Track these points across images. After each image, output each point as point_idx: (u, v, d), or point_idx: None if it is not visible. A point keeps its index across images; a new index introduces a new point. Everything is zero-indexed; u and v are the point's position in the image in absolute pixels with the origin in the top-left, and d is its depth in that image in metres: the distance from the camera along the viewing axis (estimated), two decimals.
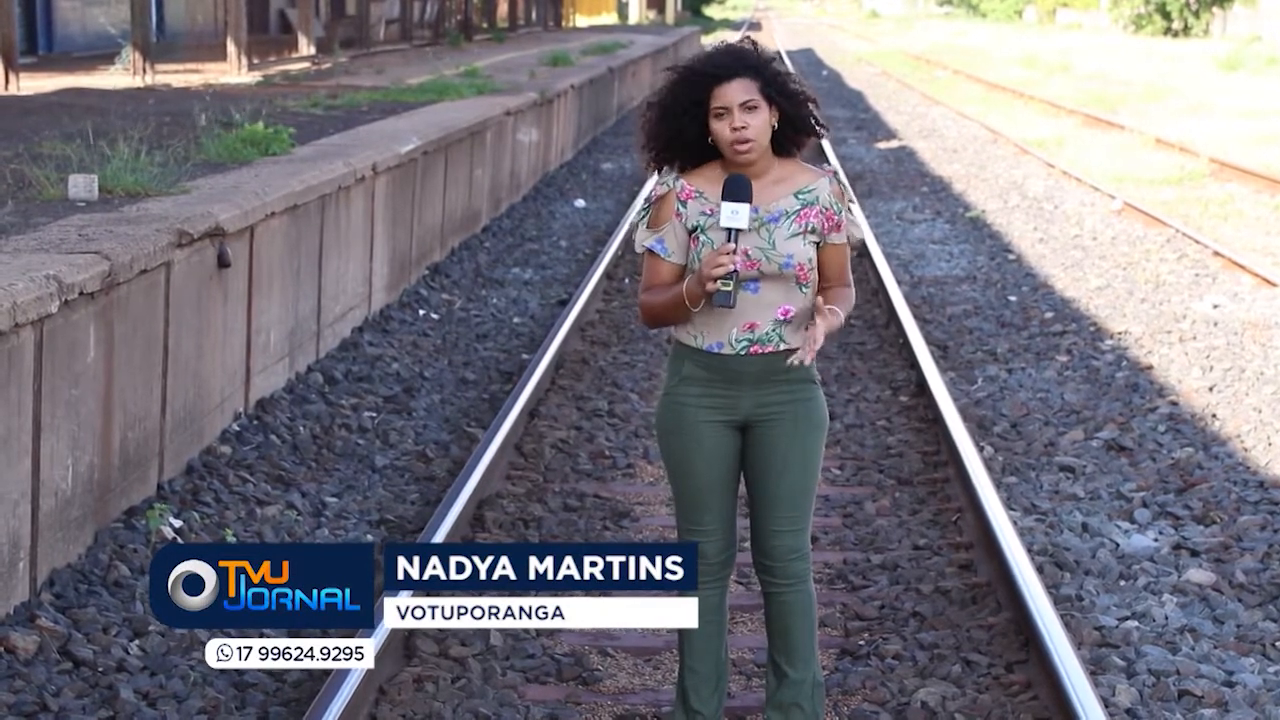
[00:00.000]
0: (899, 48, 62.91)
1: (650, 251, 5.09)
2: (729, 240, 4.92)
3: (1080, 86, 36.20)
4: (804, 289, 5.04)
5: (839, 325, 5.02)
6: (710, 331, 5.06)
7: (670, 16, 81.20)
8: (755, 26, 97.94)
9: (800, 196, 5.05)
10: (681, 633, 5.32)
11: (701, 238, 5.02)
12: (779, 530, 5.16)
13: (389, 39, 37.48)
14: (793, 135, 5.06)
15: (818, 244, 5.06)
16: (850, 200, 5.13)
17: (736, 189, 4.94)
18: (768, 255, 4.99)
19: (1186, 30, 63.94)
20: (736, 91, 4.92)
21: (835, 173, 5.13)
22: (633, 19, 77.48)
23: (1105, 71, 40.27)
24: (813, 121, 5.06)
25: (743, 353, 5.05)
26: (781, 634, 5.26)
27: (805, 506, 5.17)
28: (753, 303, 5.01)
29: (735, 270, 4.90)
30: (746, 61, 4.98)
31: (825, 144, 25.32)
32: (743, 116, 4.91)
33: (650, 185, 5.14)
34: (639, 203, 4.92)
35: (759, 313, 5.03)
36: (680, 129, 5.01)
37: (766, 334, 5.05)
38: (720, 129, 4.94)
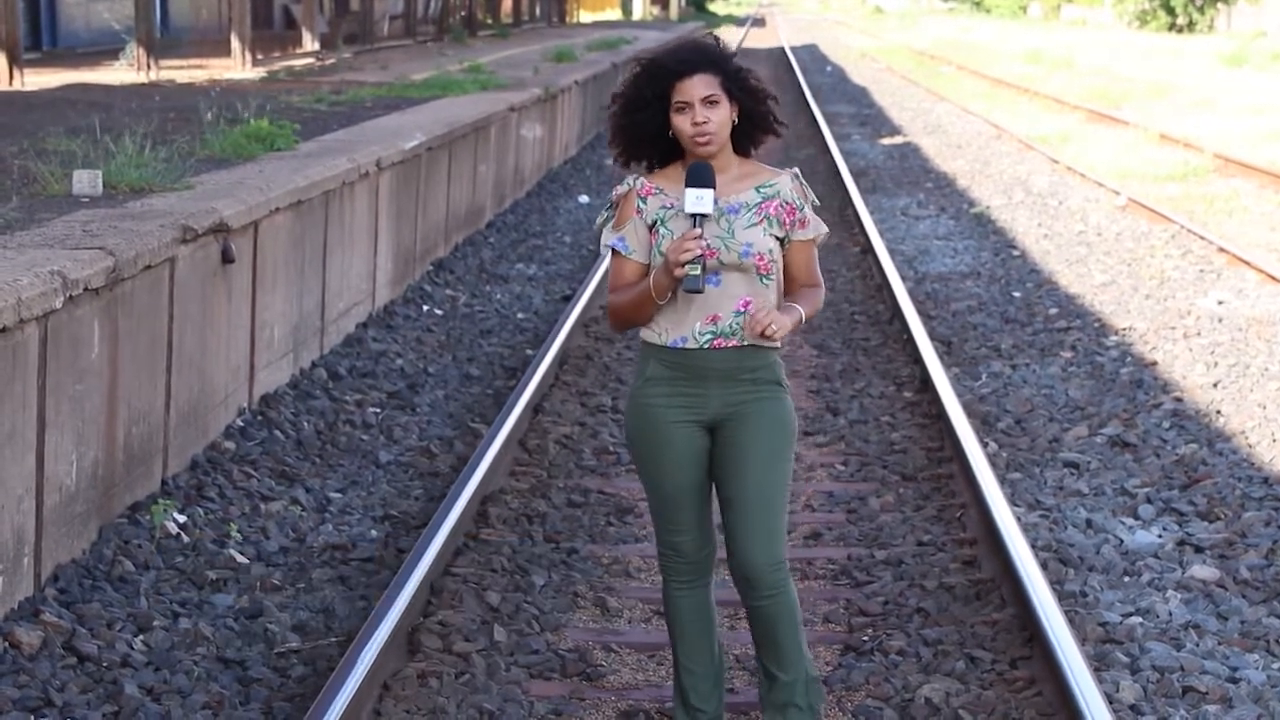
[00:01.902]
0: (903, 43, 62.88)
1: (614, 252, 5.08)
2: (695, 226, 4.90)
3: (1084, 82, 36.18)
4: (765, 280, 5.02)
5: (799, 320, 5.01)
6: (674, 326, 5.03)
7: (674, 12, 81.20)
8: (759, 22, 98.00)
9: (761, 190, 5.06)
10: (672, 633, 5.33)
11: (661, 230, 5.01)
12: (749, 535, 5.08)
13: (393, 35, 37.48)
14: (751, 132, 5.06)
15: (781, 240, 5.06)
16: (813, 201, 5.13)
17: (700, 175, 4.92)
18: (726, 244, 4.97)
19: (1191, 26, 63.90)
20: (698, 86, 4.91)
21: (796, 172, 5.16)
22: (636, 15, 77.50)
23: (1109, 67, 40.24)
24: (771, 119, 5.07)
25: (706, 346, 5.02)
26: (768, 642, 5.22)
27: (775, 509, 5.10)
28: (714, 295, 4.99)
29: (703, 255, 4.88)
30: (709, 56, 4.98)
31: (829, 139, 25.35)
32: (704, 111, 4.91)
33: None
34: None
35: (721, 304, 5.00)
36: (643, 122, 5.01)
37: (729, 326, 5.01)
38: (681, 123, 4.94)
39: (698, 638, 5.31)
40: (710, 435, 5.13)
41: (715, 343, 5.02)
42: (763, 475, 5.07)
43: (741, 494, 5.08)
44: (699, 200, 4.90)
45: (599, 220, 5.23)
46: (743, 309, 5.00)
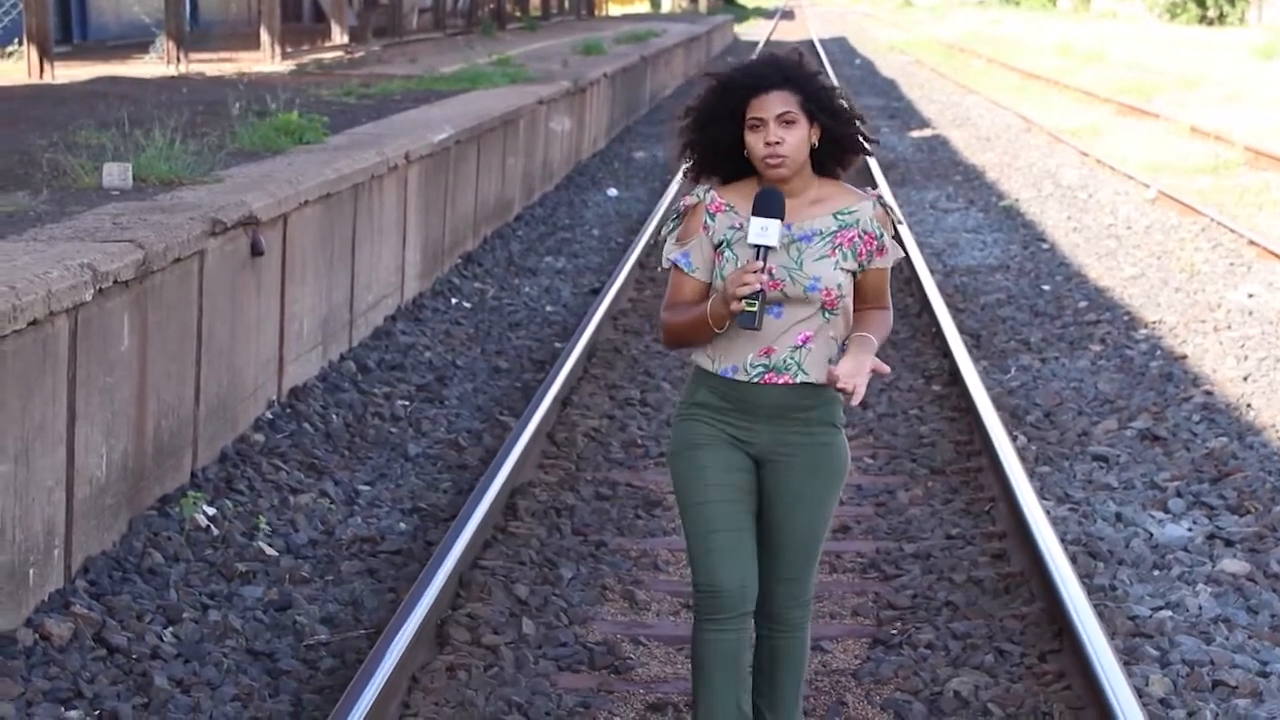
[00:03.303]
0: (932, 36, 62.73)
1: (675, 266, 4.78)
2: (757, 258, 4.55)
3: (1115, 75, 36.05)
4: (829, 315, 4.69)
5: (873, 353, 4.70)
6: (727, 355, 4.71)
7: (703, 5, 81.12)
8: (788, 15, 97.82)
9: (839, 217, 4.71)
10: (696, 681, 4.88)
11: (726, 253, 4.69)
12: (780, 577, 4.85)
13: (422, 28, 37.53)
14: (837, 154, 4.74)
15: (854, 271, 4.72)
16: (898, 222, 4.84)
17: (768, 204, 4.59)
18: (793, 276, 4.63)
19: (1222, 18, 63.64)
20: (774, 103, 4.60)
21: (880, 196, 4.81)
22: (665, 8, 77.44)
23: (1140, 60, 40.08)
24: (859, 140, 4.74)
25: (757, 380, 4.69)
26: (768, 680, 4.96)
27: (810, 555, 4.86)
28: (773, 326, 4.66)
29: (762, 290, 4.53)
30: (787, 73, 4.67)
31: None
32: (778, 130, 4.60)
33: (679, 196, 4.86)
34: (665, 208, 4.54)
35: (778, 337, 4.67)
36: (714, 137, 4.72)
37: (783, 361, 4.68)
38: (754, 141, 4.63)
39: (725, 688, 4.84)
40: (756, 466, 4.81)
41: (767, 377, 4.69)
42: (805, 523, 4.81)
43: (780, 539, 4.82)
44: (764, 231, 4.56)
45: (664, 229, 4.88)
46: (801, 343, 4.68)
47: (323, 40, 30.33)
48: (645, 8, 74.77)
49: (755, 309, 4.53)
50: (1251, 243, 14.87)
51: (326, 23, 31.90)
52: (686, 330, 4.75)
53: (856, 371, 4.60)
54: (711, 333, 4.67)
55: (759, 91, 4.64)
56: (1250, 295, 12.86)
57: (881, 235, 4.74)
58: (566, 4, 53.79)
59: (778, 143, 4.60)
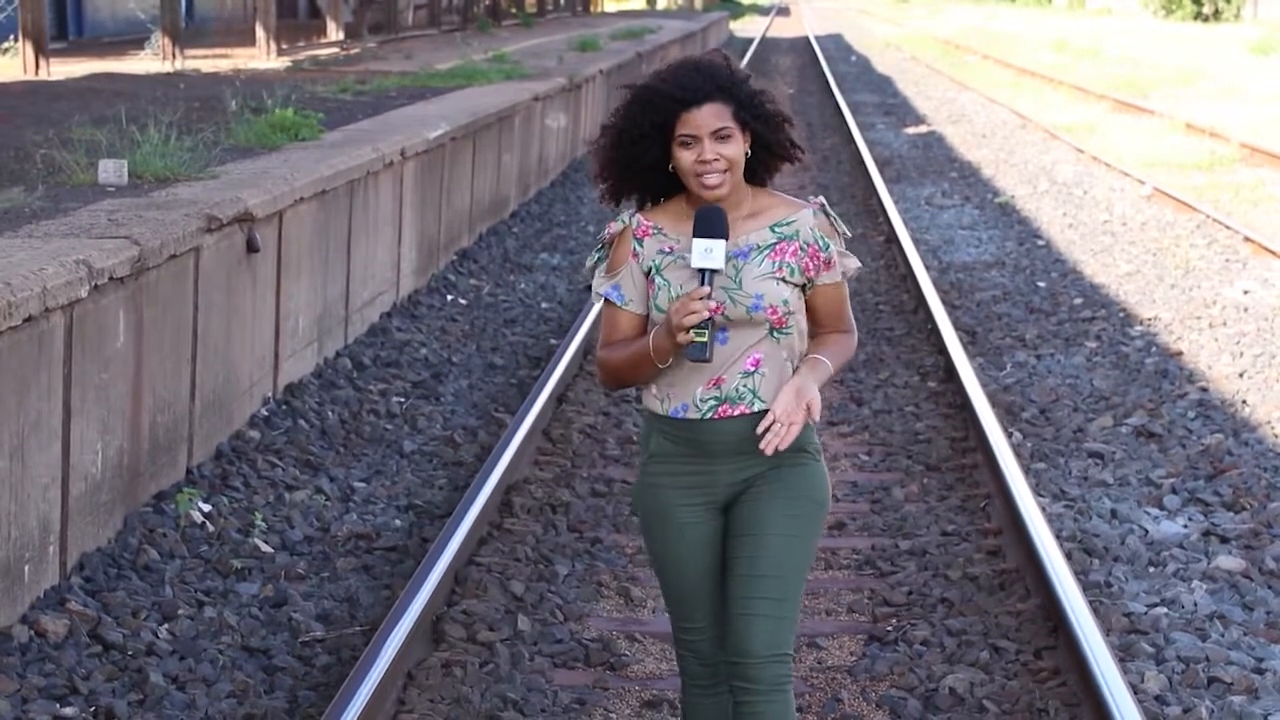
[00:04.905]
0: (928, 32, 62.71)
1: (606, 301, 4.32)
2: (703, 283, 4.11)
3: (1110, 71, 36.04)
4: (779, 335, 4.24)
5: (825, 378, 4.25)
6: (675, 392, 4.26)
7: (698, 2, 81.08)
8: (784, 12, 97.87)
9: (776, 230, 4.27)
10: None
11: (658, 280, 4.25)
12: (755, 614, 4.24)
13: (417, 24, 37.51)
14: (767, 161, 4.31)
15: (803, 286, 4.28)
16: (843, 233, 4.35)
17: (710, 223, 4.14)
18: (733, 296, 4.19)
19: (1217, 14, 63.62)
20: (707, 118, 4.16)
21: (822, 203, 4.35)
22: (661, 4, 77.39)
23: (1135, 56, 40.08)
24: (789, 146, 4.31)
25: (710, 415, 4.23)
26: None
27: (789, 593, 4.27)
28: (720, 354, 4.20)
29: (711, 318, 4.09)
30: (719, 82, 4.21)
31: (854, 129, 25.29)
32: (714, 147, 4.16)
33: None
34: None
35: (726, 365, 4.22)
36: (636, 156, 4.26)
37: (735, 390, 4.23)
38: (685, 159, 4.18)
39: None
40: (724, 514, 4.37)
41: (720, 410, 4.23)
42: (779, 554, 4.26)
43: (751, 572, 4.26)
44: (708, 254, 4.11)
45: (588, 262, 4.43)
46: (753, 368, 4.23)
47: (318, 36, 30.33)
48: (640, 4, 74.72)
49: (705, 339, 4.10)
50: (1247, 239, 14.87)
51: (322, 19, 31.91)
52: (627, 368, 4.29)
53: (795, 405, 4.16)
54: (655, 369, 4.23)
55: (689, 105, 4.19)
56: (1245, 291, 12.86)
57: (828, 247, 4.29)
58: (562, 0, 53.77)
59: (714, 160, 4.17)
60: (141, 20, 24.64)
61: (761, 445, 4.16)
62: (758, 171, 4.31)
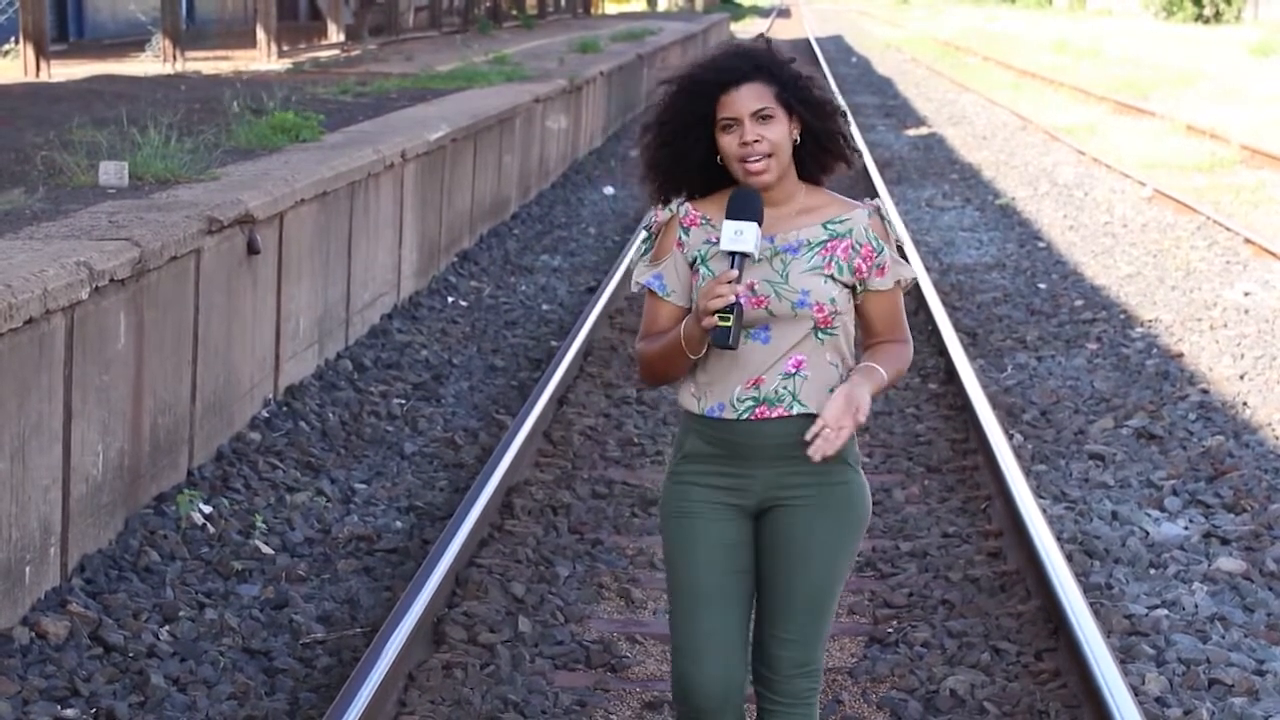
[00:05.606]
0: (928, 34, 62.73)
1: (649, 291, 4.19)
2: (732, 266, 3.97)
3: (1111, 73, 36.05)
4: (824, 336, 4.08)
5: (879, 386, 4.07)
6: (712, 390, 4.11)
7: (699, 3, 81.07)
8: (785, 14, 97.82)
9: (829, 227, 4.12)
10: None
11: (702, 270, 4.11)
12: (785, 638, 4.18)
13: (418, 26, 37.51)
14: (818, 155, 4.14)
15: (853, 288, 4.12)
16: (897, 239, 4.19)
17: (743, 205, 4.01)
18: (778, 291, 4.05)
19: (1218, 16, 63.62)
20: (747, 99, 4.01)
21: (878, 205, 4.20)
22: (661, 6, 77.43)
23: (1136, 57, 40.09)
24: (841, 140, 4.14)
25: (747, 416, 4.08)
26: None
27: (820, 615, 4.19)
28: (761, 353, 4.07)
29: (738, 303, 3.95)
30: (758, 62, 4.06)
31: (854, 129, 25.28)
32: (755, 128, 4.01)
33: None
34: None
35: (766, 364, 4.07)
36: (683, 151, 4.12)
37: (775, 392, 4.08)
38: (728, 144, 4.04)
39: None
40: (754, 521, 4.21)
41: (758, 411, 4.08)
42: (818, 576, 4.16)
43: (785, 596, 4.18)
44: (738, 236, 3.99)
45: (635, 251, 4.30)
46: (794, 370, 4.08)
47: (319, 38, 30.33)
48: (641, 5, 74.75)
49: (729, 324, 3.95)
50: (1248, 241, 14.88)
51: (323, 21, 31.91)
52: (660, 360, 4.15)
53: (845, 411, 3.99)
54: (688, 360, 4.09)
55: (728, 87, 4.04)
56: (1246, 293, 12.86)
57: (881, 250, 4.13)
58: (563, 2, 53.77)
59: (756, 141, 4.01)
60: (142, 22, 24.65)
61: (809, 451, 4.00)
62: (809, 166, 4.15)
